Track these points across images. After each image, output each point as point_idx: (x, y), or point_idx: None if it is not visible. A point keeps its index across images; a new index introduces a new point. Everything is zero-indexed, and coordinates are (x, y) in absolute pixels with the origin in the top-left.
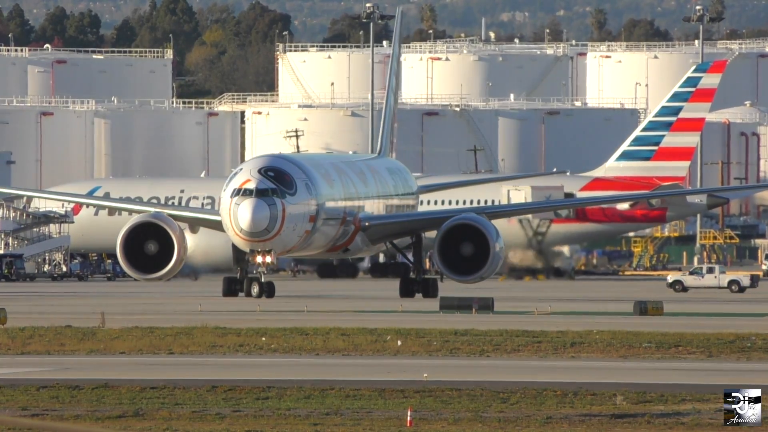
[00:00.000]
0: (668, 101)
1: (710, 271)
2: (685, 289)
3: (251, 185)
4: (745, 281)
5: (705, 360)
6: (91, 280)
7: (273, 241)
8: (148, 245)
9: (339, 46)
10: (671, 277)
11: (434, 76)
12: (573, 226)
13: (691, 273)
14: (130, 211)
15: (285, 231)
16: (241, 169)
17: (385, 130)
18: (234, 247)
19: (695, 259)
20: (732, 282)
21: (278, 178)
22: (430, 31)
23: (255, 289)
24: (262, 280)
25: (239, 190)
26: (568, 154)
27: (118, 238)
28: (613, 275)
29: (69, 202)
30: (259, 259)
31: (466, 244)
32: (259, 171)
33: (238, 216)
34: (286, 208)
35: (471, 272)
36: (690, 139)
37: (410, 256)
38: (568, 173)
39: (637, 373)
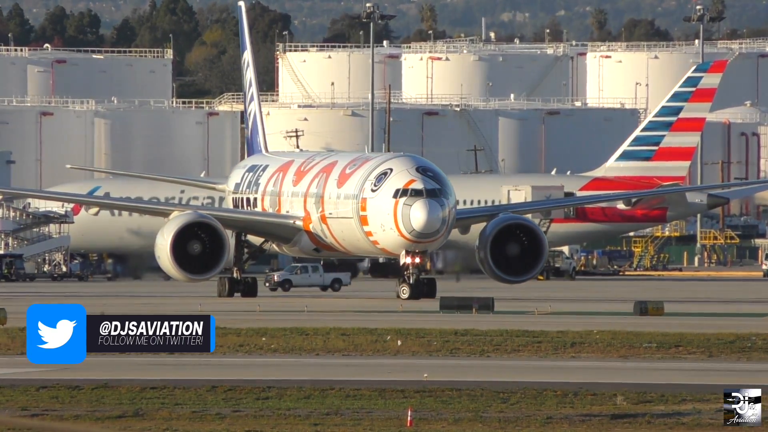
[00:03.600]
0: (668, 101)
1: (315, 269)
2: (290, 287)
3: (418, 186)
4: (346, 279)
5: (705, 360)
6: (91, 280)
7: (436, 242)
8: (193, 245)
9: (339, 46)
10: (278, 275)
11: (434, 76)
12: (573, 226)
13: (297, 272)
14: (131, 211)
15: (446, 232)
16: (391, 169)
17: (264, 129)
18: (237, 247)
19: (696, 259)
20: (335, 280)
21: (437, 179)
22: (430, 31)
23: (404, 291)
24: (411, 281)
25: (406, 190)
26: (568, 154)
27: (164, 239)
28: (613, 275)
29: (69, 202)
30: (408, 259)
31: (513, 244)
32: (418, 170)
33: (411, 217)
34: (450, 209)
35: (523, 272)
36: (690, 139)
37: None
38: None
39: (637, 373)
